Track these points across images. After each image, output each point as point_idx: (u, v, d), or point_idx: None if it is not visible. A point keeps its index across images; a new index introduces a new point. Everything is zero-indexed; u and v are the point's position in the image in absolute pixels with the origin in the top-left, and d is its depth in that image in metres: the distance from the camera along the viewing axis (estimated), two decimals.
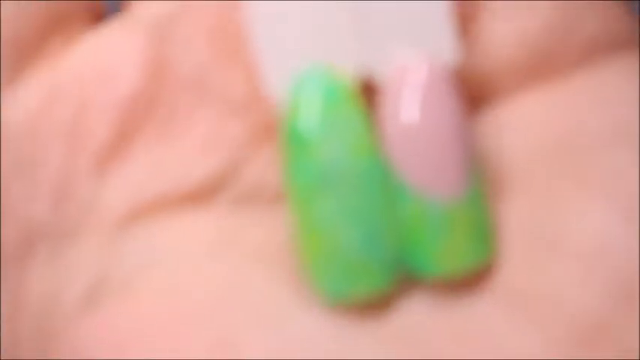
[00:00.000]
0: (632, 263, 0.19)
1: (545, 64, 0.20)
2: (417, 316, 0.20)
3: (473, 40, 0.20)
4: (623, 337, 0.19)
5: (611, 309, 0.19)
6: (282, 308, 0.19)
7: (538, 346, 0.19)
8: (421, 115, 0.19)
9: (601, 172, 0.20)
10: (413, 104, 0.19)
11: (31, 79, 0.20)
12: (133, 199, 0.20)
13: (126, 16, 0.21)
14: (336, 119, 0.19)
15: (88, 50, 0.20)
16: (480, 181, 0.20)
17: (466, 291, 0.20)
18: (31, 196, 0.20)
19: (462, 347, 0.19)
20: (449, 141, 0.19)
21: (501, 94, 0.21)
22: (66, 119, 0.20)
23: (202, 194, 0.20)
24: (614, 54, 0.21)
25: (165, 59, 0.20)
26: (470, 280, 0.20)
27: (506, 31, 0.20)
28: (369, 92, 0.20)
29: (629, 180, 0.19)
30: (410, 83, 0.19)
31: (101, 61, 0.20)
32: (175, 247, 0.20)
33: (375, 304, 0.20)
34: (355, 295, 0.19)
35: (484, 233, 0.20)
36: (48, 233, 0.20)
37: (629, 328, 0.19)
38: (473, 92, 0.20)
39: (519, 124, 0.20)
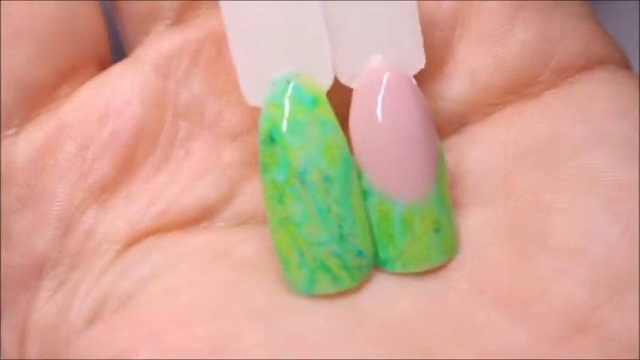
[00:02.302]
0: (616, 257, 0.20)
1: (522, 86, 0.21)
2: (404, 311, 0.20)
3: (452, 66, 0.21)
4: (609, 329, 0.19)
5: (596, 301, 0.19)
6: (276, 307, 0.20)
7: (525, 341, 0.19)
8: (386, 120, 0.20)
9: (581, 173, 0.20)
10: (378, 109, 0.20)
11: (39, 119, 0.21)
12: (133, 226, 0.21)
13: (129, 58, 0.22)
14: (308, 122, 0.20)
15: (92, 89, 0.21)
16: (442, 183, 0.21)
17: (448, 285, 0.21)
18: (38, 227, 0.21)
19: (450, 343, 0.20)
20: (412, 145, 0.20)
21: (480, 113, 0.22)
22: (71, 154, 0.21)
23: (199, 217, 0.21)
24: (590, 71, 0.22)
25: (164, 93, 0.21)
26: (451, 274, 0.21)
27: (484, 57, 0.21)
28: (341, 97, 0.21)
29: (609, 178, 0.20)
30: (375, 89, 0.20)
31: (104, 98, 0.21)
32: (173, 263, 0.21)
33: (362, 299, 0.20)
34: (327, 289, 0.20)
35: (446, 233, 0.21)
36: (54, 261, 0.21)
37: (614, 319, 0.19)
38: (452, 114, 0.21)
39: (498, 134, 0.21)
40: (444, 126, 0.22)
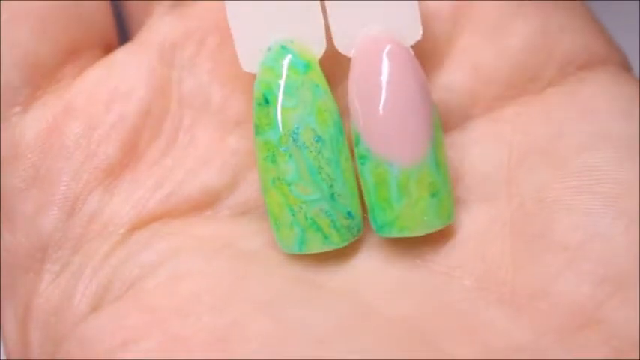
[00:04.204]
0: (620, 253, 0.20)
1: (525, 80, 0.22)
2: (408, 306, 0.20)
3: (455, 58, 0.22)
4: (613, 324, 0.19)
5: (600, 297, 0.19)
6: (280, 298, 0.20)
7: (529, 336, 0.19)
8: (384, 87, 0.21)
9: (585, 172, 0.20)
10: (377, 76, 0.21)
11: (46, 99, 0.22)
12: (138, 210, 0.21)
13: (134, 43, 0.22)
14: (301, 85, 0.21)
15: (99, 72, 0.22)
16: (439, 148, 0.21)
17: (451, 281, 0.20)
18: (43, 208, 0.21)
19: (454, 339, 0.20)
20: (409, 110, 0.20)
21: (485, 107, 0.22)
22: (77, 136, 0.21)
23: (203, 204, 0.22)
24: (591, 69, 0.22)
25: (169, 80, 0.22)
26: (454, 271, 0.21)
27: (487, 49, 0.22)
28: (332, 67, 0.21)
29: (613, 177, 0.20)
30: (374, 57, 0.21)
31: (111, 82, 0.22)
32: (178, 251, 0.21)
33: (366, 294, 0.20)
34: (318, 247, 0.21)
35: (443, 198, 0.21)
36: (57, 244, 0.21)
37: (618, 314, 0.19)
38: (455, 105, 0.22)
39: (502, 133, 0.22)
40: (447, 119, 0.22)
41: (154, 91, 0.22)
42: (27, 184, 0.21)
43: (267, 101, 0.21)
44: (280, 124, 0.20)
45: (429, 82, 0.22)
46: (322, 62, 0.21)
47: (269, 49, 0.21)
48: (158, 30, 0.22)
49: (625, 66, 0.23)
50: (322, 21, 0.21)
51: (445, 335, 0.20)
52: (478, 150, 0.22)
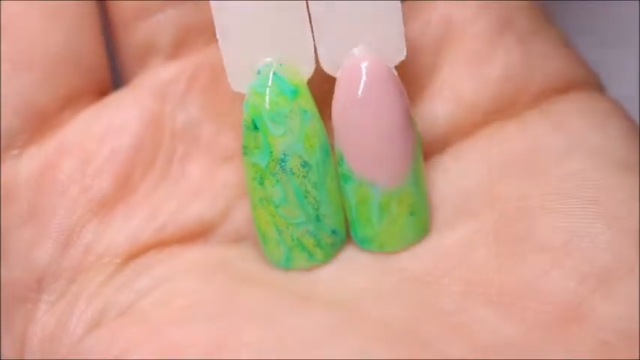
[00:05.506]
0: (602, 249, 0.20)
1: (503, 107, 0.22)
2: (400, 311, 0.21)
3: (437, 89, 0.22)
4: (599, 317, 0.20)
5: (585, 292, 0.20)
6: (274, 307, 0.21)
7: (518, 333, 0.20)
8: (366, 109, 0.21)
9: (564, 179, 0.21)
10: (358, 98, 0.21)
11: (42, 142, 0.22)
12: (132, 240, 0.22)
13: (128, 86, 0.23)
14: (289, 112, 0.21)
15: (92, 112, 0.22)
16: (418, 169, 0.22)
17: (440, 289, 0.21)
18: (38, 241, 0.22)
19: (445, 339, 0.20)
20: (391, 133, 0.21)
21: (465, 133, 0.22)
22: (70, 170, 0.22)
23: (197, 233, 0.22)
24: (568, 93, 0.23)
25: (162, 114, 0.22)
26: (442, 279, 0.21)
27: (468, 80, 0.22)
28: (322, 85, 0.22)
29: (591, 182, 0.21)
30: (357, 78, 0.21)
31: (104, 119, 0.22)
32: (173, 275, 0.22)
33: (357, 301, 0.21)
34: (303, 265, 0.22)
35: (420, 215, 0.22)
36: (53, 275, 0.22)
37: (603, 307, 0.20)
38: (437, 135, 0.22)
39: (481, 151, 0.22)
40: (428, 147, 0.22)
41: (147, 125, 0.22)
42: (22, 219, 0.22)
43: (255, 127, 0.21)
44: (268, 151, 0.21)
45: (413, 112, 0.22)
46: (314, 80, 0.21)
47: (258, 72, 0.21)
48: (152, 74, 0.22)
49: (599, 88, 0.23)
50: (312, 41, 0.21)
51: (435, 334, 0.20)
52: (458, 168, 0.22)
